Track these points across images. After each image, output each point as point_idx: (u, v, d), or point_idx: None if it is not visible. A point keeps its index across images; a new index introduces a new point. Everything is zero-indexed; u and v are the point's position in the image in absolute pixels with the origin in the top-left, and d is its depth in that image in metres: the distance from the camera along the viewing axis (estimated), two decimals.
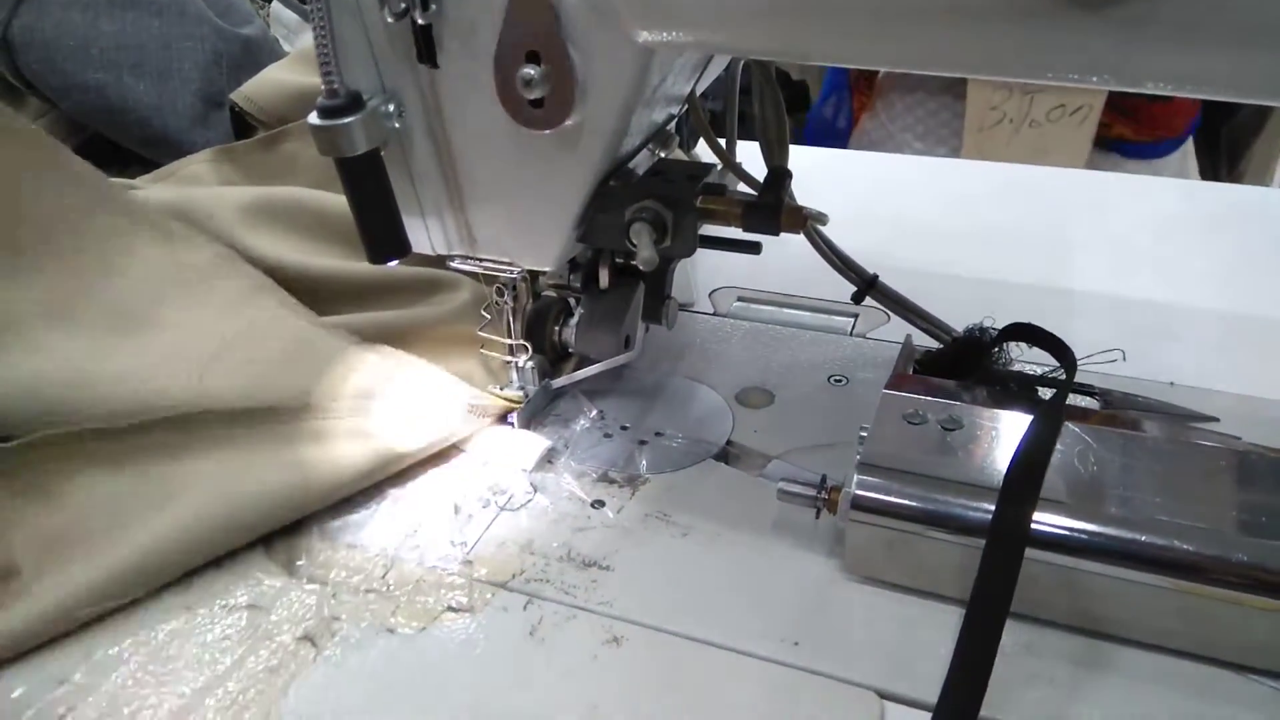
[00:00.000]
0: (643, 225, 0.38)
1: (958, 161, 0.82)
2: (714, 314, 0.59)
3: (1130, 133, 1.12)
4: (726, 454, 0.47)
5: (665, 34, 0.33)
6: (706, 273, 0.62)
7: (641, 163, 0.43)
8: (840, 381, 0.52)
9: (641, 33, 0.33)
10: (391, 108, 0.38)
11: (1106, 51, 0.27)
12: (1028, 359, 0.49)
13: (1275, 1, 0.25)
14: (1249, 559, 0.34)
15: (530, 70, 0.35)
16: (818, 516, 0.40)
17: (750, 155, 0.48)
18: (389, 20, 0.36)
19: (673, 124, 0.46)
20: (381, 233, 0.40)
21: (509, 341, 0.48)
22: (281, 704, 0.34)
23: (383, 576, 0.40)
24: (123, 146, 0.69)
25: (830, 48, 0.32)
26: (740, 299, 0.61)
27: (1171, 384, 0.50)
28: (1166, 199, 0.73)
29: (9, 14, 0.64)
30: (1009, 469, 0.36)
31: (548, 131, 0.36)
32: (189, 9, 0.70)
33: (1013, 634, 0.36)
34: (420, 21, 0.36)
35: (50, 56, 0.65)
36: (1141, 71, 0.28)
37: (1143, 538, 0.35)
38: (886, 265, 0.51)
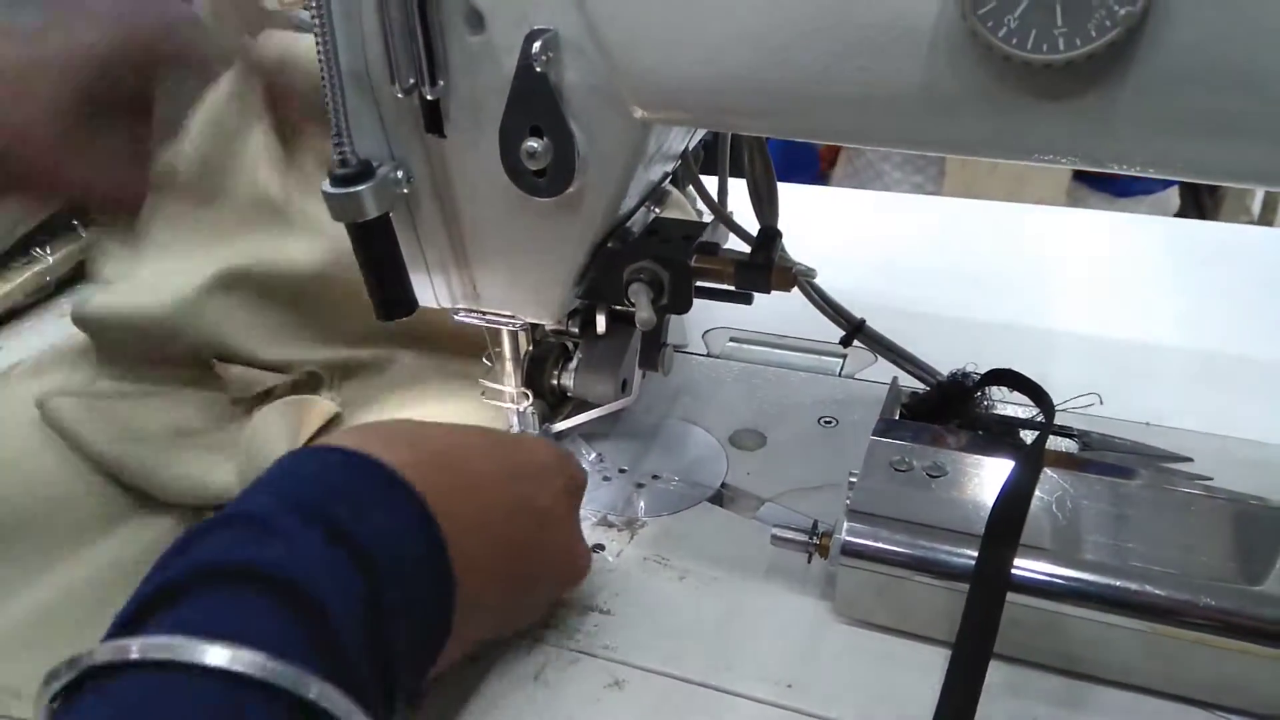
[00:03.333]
0: (640, 286, 0.40)
1: (941, 199, 0.84)
2: (707, 355, 0.61)
3: None
4: (721, 497, 0.49)
5: (661, 113, 0.35)
6: (700, 312, 0.64)
7: (638, 221, 0.45)
8: (830, 423, 0.54)
9: (639, 110, 0.35)
10: (400, 174, 0.40)
11: (1071, 138, 0.29)
12: (1011, 400, 0.51)
13: (1219, 98, 0.27)
14: (1215, 603, 0.36)
15: (534, 143, 0.37)
16: (809, 561, 0.42)
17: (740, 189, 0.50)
18: (399, 95, 0.38)
19: (668, 180, 0.48)
20: (390, 292, 0.42)
21: (510, 389, 0.50)
22: None
23: None
24: None
25: (816, 129, 0.34)
26: (733, 339, 0.62)
27: (1148, 424, 0.52)
28: (1146, 237, 0.75)
29: None
30: (990, 516, 0.38)
31: (550, 199, 0.38)
32: None
33: (996, 674, 0.38)
34: (429, 97, 0.38)
35: None
36: (1106, 155, 0.30)
37: (1117, 583, 0.37)
38: (873, 305, 0.53)
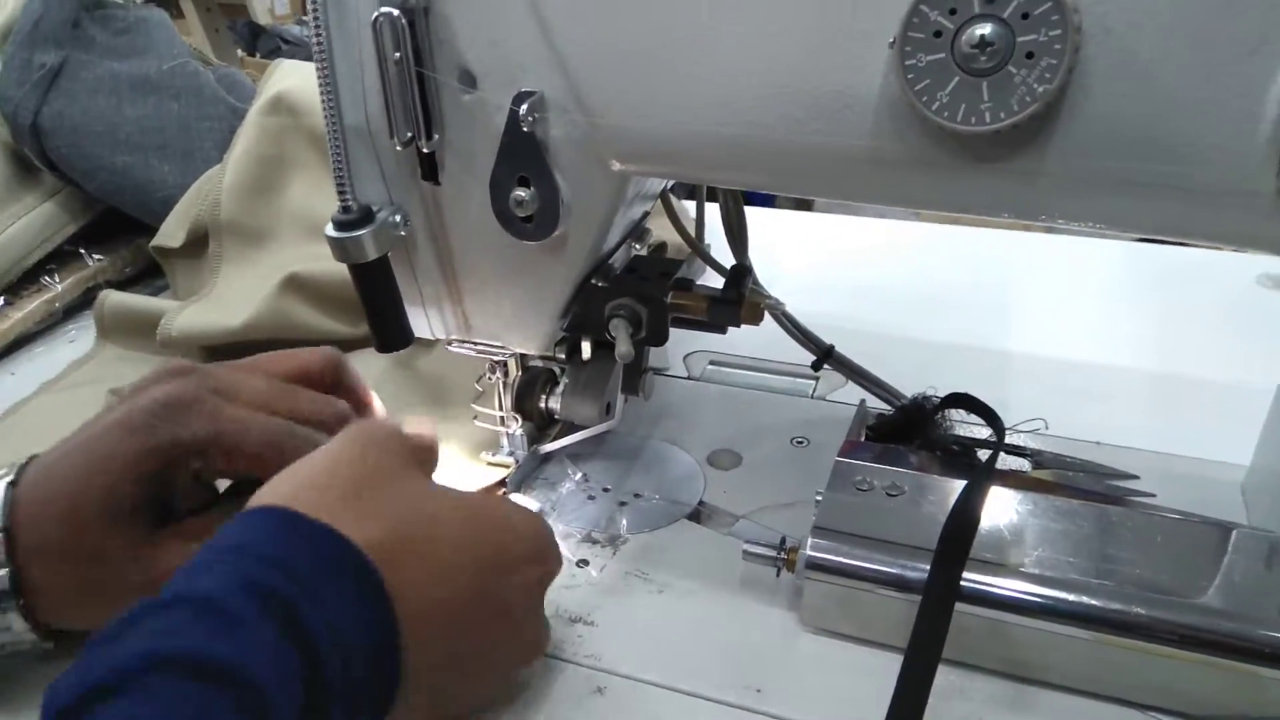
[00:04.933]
0: (620, 321, 0.44)
1: (910, 224, 0.88)
2: (688, 377, 0.64)
3: None
4: (699, 514, 0.52)
5: (637, 166, 0.39)
6: (681, 336, 0.67)
7: (620, 258, 0.48)
8: (802, 443, 0.57)
9: (617, 164, 0.39)
10: (398, 218, 0.44)
11: (1001, 196, 0.33)
12: (970, 420, 0.54)
13: (1130, 161, 0.31)
14: (1147, 612, 0.39)
15: (521, 192, 0.40)
16: (778, 574, 0.45)
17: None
18: (397, 148, 0.41)
19: (647, 219, 0.51)
20: (388, 327, 0.45)
21: (500, 413, 0.53)
22: None
23: None
24: (134, 219, 0.74)
25: (778, 184, 0.37)
26: (712, 363, 0.66)
27: (1098, 443, 0.55)
28: (1106, 259, 0.79)
29: (39, 102, 0.69)
30: (942, 532, 0.42)
31: (537, 243, 0.42)
32: (205, 90, 0.75)
33: (947, 678, 0.41)
34: (425, 149, 0.41)
35: (78, 141, 0.70)
36: (1033, 211, 0.34)
37: (1058, 594, 0.41)
38: (843, 329, 0.57)
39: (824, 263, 0.79)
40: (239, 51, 2.25)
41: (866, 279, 0.77)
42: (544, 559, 0.40)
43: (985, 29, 0.29)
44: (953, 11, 0.30)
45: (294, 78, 0.72)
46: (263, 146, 0.69)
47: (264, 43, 2.50)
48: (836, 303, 0.69)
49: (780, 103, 0.34)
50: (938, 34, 0.30)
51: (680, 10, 0.34)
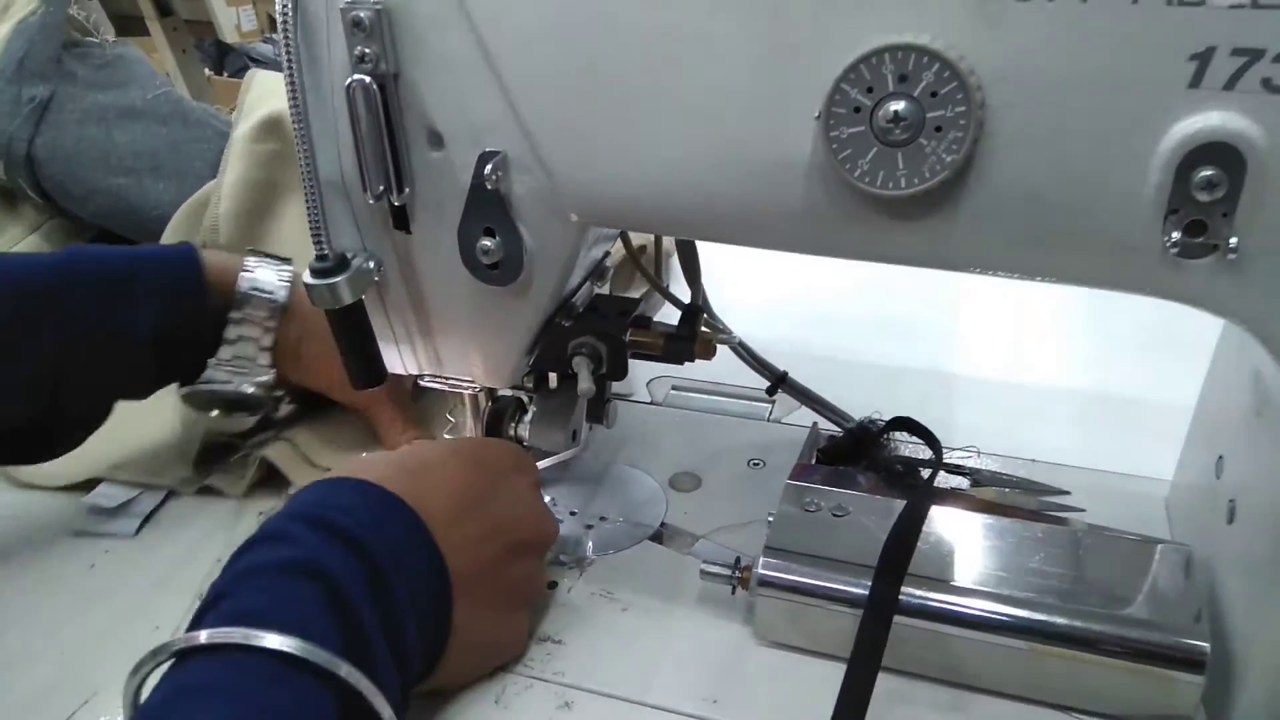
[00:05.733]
0: (582, 359, 0.47)
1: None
2: (650, 402, 0.68)
3: None
4: (661, 535, 0.55)
5: (593, 218, 0.42)
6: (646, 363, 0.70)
7: (583, 295, 0.51)
8: (758, 464, 0.60)
9: (575, 216, 0.42)
10: (372, 265, 0.46)
11: (921, 249, 0.36)
12: (915, 440, 0.57)
13: (1032, 219, 0.34)
14: (1075, 623, 0.43)
15: (487, 242, 0.43)
16: (734, 592, 0.48)
17: None
18: (370, 201, 0.44)
19: (606, 259, 0.54)
20: (363, 365, 0.48)
21: None
22: None
23: None
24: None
25: (723, 236, 0.40)
26: (674, 388, 0.69)
27: (1033, 460, 0.59)
28: (1040, 288, 0.83)
29: (31, 132, 0.71)
30: (883, 550, 0.45)
31: (502, 287, 0.45)
32: (191, 114, 0.78)
33: (889, 685, 0.45)
34: (396, 203, 0.44)
35: (72, 168, 0.73)
36: (954, 262, 0.37)
37: (993, 606, 0.44)
38: (798, 354, 0.60)
39: (779, 290, 0.82)
40: (206, 71, 2.25)
41: (819, 306, 0.80)
42: (524, 467, 0.50)
43: (898, 105, 0.33)
44: (870, 90, 0.33)
45: (276, 97, 0.75)
46: (255, 173, 0.71)
47: (232, 61, 2.50)
48: (791, 329, 0.73)
49: (722, 167, 0.37)
50: (857, 109, 0.33)
51: (631, 83, 0.37)
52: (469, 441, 0.52)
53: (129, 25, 1.95)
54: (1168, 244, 0.33)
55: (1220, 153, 0.31)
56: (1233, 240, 0.32)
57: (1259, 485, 0.42)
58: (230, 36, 2.81)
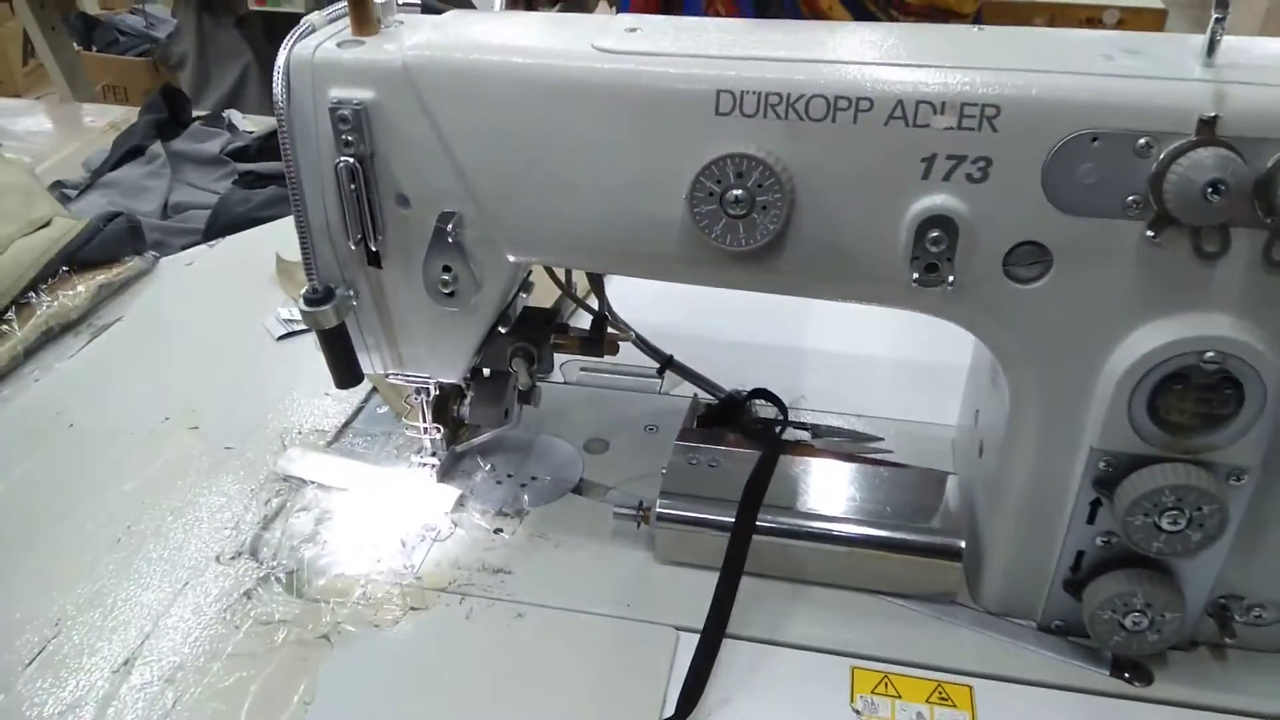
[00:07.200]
0: (520, 360, 0.62)
1: None
2: (565, 382, 0.83)
3: None
4: (580, 488, 0.71)
5: (526, 257, 0.57)
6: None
7: (517, 306, 0.66)
8: (653, 430, 0.77)
9: (512, 255, 0.57)
10: (351, 293, 0.60)
11: (765, 284, 0.53)
12: (769, 405, 0.75)
13: (829, 262, 0.51)
14: (873, 533, 0.61)
15: (445, 276, 0.57)
16: (639, 527, 0.65)
17: None
18: (350, 246, 0.57)
19: (530, 274, 0.69)
20: (344, 370, 0.62)
21: (424, 424, 0.70)
22: (317, 672, 0.56)
23: (362, 593, 0.61)
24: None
25: (622, 271, 0.56)
26: (583, 369, 0.84)
27: (858, 415, 0.77)
28: None
29: None
30: (745, 489, 0.62)
31: (456, 308, 0.59)
32: None
33: (750, 585, 0.62)
34: (372, 248, 0.57)
35: None
36: (788, 291, 0.54)
37: (824, 525, 0.62)
38: (680, 337, 0.76)
39: (665, 286, 0.98)
40: (75, 45, 2.21)
41: (698, 299, 0.96)
42: None
43: (738, 192, 0.49)
44: (719, 181, 0.49)
45: None
46: None
47: (101, 35, 2.44)
48: (675, 314, 0.89)
49: (619, 227, 0.53)
50: (711, 194, 0.49)
51: (554, 167, 0.52)
52: None
53: None
54: (913, 279, 0.50)
55: (942, 221, 0.49)
56: (950, 277, 0.50)
57: (994, 430, 0.61)
58: (91, 8, 2.72)
